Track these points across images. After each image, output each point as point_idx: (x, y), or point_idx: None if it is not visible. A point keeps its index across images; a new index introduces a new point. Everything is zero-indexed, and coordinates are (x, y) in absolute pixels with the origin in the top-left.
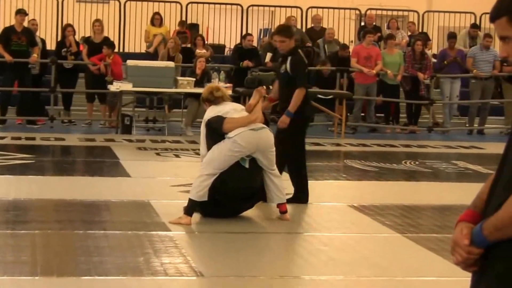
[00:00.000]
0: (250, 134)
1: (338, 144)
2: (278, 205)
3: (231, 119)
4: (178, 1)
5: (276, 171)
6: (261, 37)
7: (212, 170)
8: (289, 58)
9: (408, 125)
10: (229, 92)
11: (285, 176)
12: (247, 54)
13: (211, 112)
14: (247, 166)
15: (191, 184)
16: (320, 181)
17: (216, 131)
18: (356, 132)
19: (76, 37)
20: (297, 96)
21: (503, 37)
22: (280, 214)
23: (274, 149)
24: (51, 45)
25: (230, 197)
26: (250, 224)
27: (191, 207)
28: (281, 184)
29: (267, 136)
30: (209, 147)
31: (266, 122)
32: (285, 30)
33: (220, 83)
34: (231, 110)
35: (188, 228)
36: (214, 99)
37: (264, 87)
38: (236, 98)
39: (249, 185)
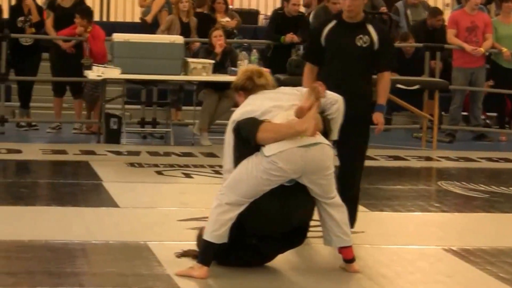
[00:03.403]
0: (296, 152)
1: (428, 158)
2: (340, 250)
3: (269, 125)
4: None
5: (337, 200)
6: None
7: (237, 198)
8: None
9: None
10: None
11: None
12: (291, 24)
13: (244, 107)
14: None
15: (207, 217)
16: (401, 213)
17: (247, 141)
18: (454, 140)
19: (38, 0)
20: None
21: None
22: (344, 262)
23: (330, 171)
24: (2, 13)
25: (260, 235)
26: (292, 279)
27: (207, 253)
28: (344, 219)
29: (322, 155)
30: (236, 162)
31: (325, 134)
32: None
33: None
34: (273, 108)
35: (203, 283)
36: (253, 87)
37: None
38: None
39: (291, 216)
